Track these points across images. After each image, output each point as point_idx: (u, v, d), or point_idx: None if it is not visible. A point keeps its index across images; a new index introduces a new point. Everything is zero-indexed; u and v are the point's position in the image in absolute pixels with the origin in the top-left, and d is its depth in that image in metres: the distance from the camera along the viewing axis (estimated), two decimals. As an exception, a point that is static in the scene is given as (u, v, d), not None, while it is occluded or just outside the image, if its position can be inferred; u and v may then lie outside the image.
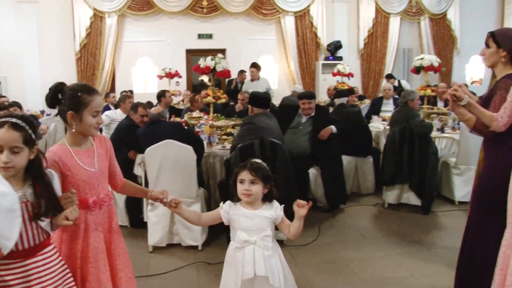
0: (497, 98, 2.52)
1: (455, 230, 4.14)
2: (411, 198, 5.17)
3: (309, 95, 5.31)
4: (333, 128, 5.07)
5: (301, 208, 2.19)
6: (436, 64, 6.25)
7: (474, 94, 9.64)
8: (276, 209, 2.28)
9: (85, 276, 2.10)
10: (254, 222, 2.25)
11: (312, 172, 5.01)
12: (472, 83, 11.98)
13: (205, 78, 12.15)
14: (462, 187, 5.40)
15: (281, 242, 4.00)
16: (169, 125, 4.52)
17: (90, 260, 2.11)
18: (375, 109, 7.66)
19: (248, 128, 4.14)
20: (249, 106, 4.48)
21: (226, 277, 2.31)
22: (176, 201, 2.30)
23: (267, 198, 2.31)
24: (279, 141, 3.96)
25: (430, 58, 6.28)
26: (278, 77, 11.03)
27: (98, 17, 10.06)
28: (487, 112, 2.49)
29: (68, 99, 2.07)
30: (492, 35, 2.64)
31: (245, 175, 2.25)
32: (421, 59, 6.35)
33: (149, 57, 10.42)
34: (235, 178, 2.31)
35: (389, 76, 9.96)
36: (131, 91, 8.80)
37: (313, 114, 5.13)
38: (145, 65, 10.52)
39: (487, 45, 2.66)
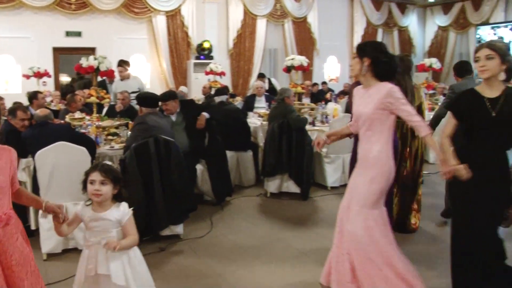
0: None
1: (331, 211, 4.65)
2: (291, 187, 5.60)
3: (168, 96, 5.25)
4: (206, 114, 5.24)
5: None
6: (305, 64, 6.83)
7: (332, 90, 10.56)
8: (123, 212, 2.41)
9: None
10: (99, 224, 2.38)
11: (199, 167, 5.17)
12: (330, 80, 13.19)
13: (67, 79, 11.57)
14: (333, 174, 6.05)
15: (178, 237, 4.14)
16: (58, 127, 4.29)
17: None
18: (249, 106, 8.05)
19: (141, 128, 4.15)
20: (139, 106, 4.49)
21: (77, 273, 2.44)
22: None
23: (116, 199, 2.44)
24: (172, 139, 4.06)
25: (300, 59, 6.84)
26: (151, 76, 10.93)
27: None
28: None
29: None
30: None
31: (95, 176, 2.36)
32: (292, 59, 6.88)
33: (11, 55, 9.54)
34: (85, 179, 2.40)
35: (261, 75, 10.50)
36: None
37: (178, 110, 5.17)
38: (6, 64, 9.61)
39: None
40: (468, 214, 2.69)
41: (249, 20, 11.88)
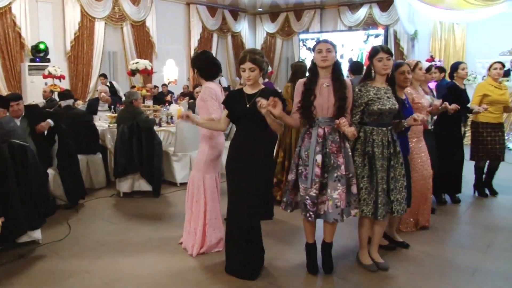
0: None
1: (183, 206, 5.03)
2: (143, 185, 5.89)
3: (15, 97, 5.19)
4: (50, 122, 5.24)
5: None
6: (149, 68, 7.13)
7: (172, 93, 11.03)
8: None
9: None
10: None
11: (51, 172, 5.18)
12: (169, 83, 13.54)
13: None
14: (181, 171, 6.51)
15: (36, 242, 4.16)
16: None
17: None
18: (92, 109, 8.07)
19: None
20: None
21: None
22: None
23: None
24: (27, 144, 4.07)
25: (144, 62, 7.12)
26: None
27: None
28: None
29: None
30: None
31: None
32: (137, 63, 7.12)
33: None
34: None
35: (103, 76, 10.40)
36: None
37: (23, 114, 5.11)
38: None
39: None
40: None
41: (87, 22, 11.58)
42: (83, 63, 11.65)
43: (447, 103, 4.48)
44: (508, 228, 4.69)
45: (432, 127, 4.86)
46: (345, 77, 3.43)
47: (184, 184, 6.36)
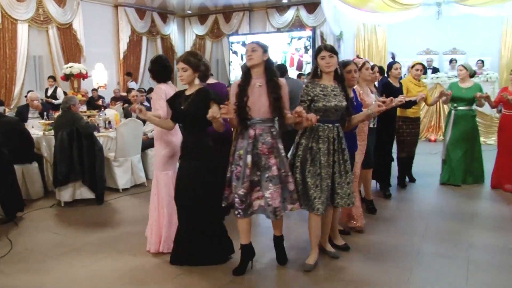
0: None
1: (127, 211, 5.16)
2: (85, 193, 5.72)
3: None
4: None
5: None
6: (84, 72, 6.95)
7: (102, 97, 10.79)
8: None
9: None
10: None
11: (-15, 184, 4.92)
12: (99, 87, 13.18)
13: None
14: (123, 176, 6.41)
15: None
16: None
17: None
18: (22, 116, 7.71)
19: None
20: None
21: None
22: None
23: None
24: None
25: (79, 66, 6.93)
26: None
27: None
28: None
29: None
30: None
31: None
32: (71, 67, 6.91)
33: None
34: None
35: (52, 78, 9.95)
36: None
37: None
38: None
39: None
40: None
41: (8, 24, 11.00)
42: (6, 68, 11.07)
43: (392, 98, 4.63)
44: (436, 211, 5.17)
45: (375, 125, 4.97)
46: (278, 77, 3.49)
47: (126, 190, 6.33)
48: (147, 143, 6.86)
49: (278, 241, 3.73)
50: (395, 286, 3.37)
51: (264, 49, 3.41)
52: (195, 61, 3.51)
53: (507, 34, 12.19)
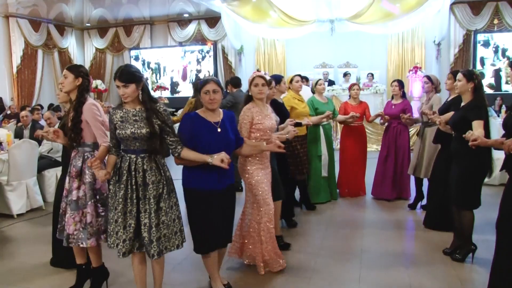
0: None
1: (23, 237, 4.93)
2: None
3: None
4: None
5: None
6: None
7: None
8: None
9: None
10: None
11: None
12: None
13: None
14: (18, 201, 6.06)
15: None
16: None
17: None
18: None
19: None
20: None
21: None
22: None
23: None
24: None
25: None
26: None
27: None
28: None
29: None
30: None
31: None
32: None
33: None
34: None
35: None
36: None
37: None
38: None
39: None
40: None
41: None
42: None
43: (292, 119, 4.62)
44: (358, 221, 5.52)
45: None
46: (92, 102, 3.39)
47: (21, 215, 5.99)
48: (45, 163, 6.59)
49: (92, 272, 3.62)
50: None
51: (75, 75, 3.40)
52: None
53: (392, 49, 13.37)
